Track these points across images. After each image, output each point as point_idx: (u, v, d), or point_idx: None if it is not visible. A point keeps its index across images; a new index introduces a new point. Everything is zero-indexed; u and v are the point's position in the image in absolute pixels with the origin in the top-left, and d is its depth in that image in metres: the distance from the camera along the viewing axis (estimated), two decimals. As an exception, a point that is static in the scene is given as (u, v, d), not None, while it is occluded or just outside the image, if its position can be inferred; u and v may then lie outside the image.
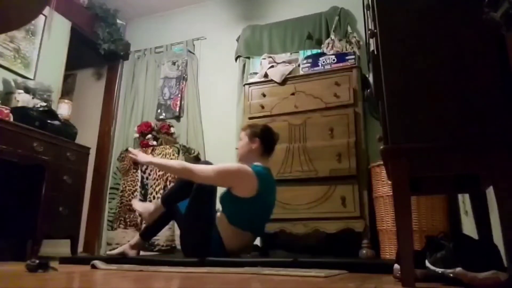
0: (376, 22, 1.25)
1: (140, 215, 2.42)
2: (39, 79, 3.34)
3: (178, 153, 3.33)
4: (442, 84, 1.12)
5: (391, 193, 1.19)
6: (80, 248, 3.29)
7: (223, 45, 3.91)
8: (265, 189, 2.08)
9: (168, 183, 3.21)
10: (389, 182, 1.66)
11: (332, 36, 3.12)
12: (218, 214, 2.17)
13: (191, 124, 3.78)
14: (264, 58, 3.24)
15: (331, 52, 2.98)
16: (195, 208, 2.12)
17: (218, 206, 2.21)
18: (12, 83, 3.07)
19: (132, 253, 2.21)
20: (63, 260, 2.13)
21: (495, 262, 0.98)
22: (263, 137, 2.23)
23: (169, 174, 3.25)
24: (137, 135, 3.65)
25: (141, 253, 2.42)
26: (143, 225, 2.36)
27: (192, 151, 3.55)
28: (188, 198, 2.17)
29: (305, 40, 3.40)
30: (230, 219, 2.08)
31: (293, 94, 2.84)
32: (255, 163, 2.16)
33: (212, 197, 2.18)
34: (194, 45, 4.08)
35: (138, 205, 2.33)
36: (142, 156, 2.19)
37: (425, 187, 1.48)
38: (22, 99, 2.95)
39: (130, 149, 2.56)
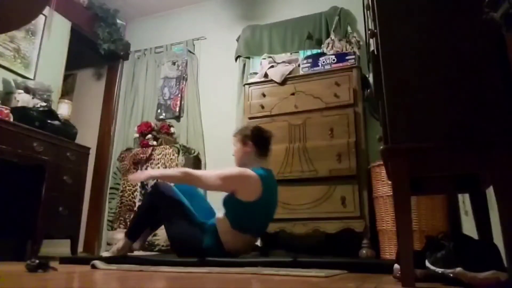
0: (376, 22, 1.25)
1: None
2: (39, 79, 3.34)
3: (178, 153, 3.33)
4: (442, 84, 1.12)
5: (391, 193, 1.19)
6: (80, 248, 3.29)
7: (223, 45, 3.91)
8: (268, 191, 2.07)
9: (168, 183, 3.21)
10: (389, 182, 1.66)
11: (332, 36, 3.12)
12: (220, 216, 2.13)
13: (191, 124, 3.78)
14: (264, 58, 3.24)
15: (331, 52, 2.98)
16: (170, 218, 2.13)
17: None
18: (12, 83, 3.07)
19: (136, 245, 2.23)
20: (63, 260, 2.13)
21: (495, 262, 0.98)
22: (255, 139, 2.20)
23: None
24: (137, 135, 3.65)
25: (141, 253, 2.42)
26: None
27: (192, 151, 3.55)
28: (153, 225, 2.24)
29: (305, 40, 3.40)
30: (232, 224, 2.05)
31: (293, 94, 2.84)
32: (255, 166, 2.13)
33: (181, 204, 2.17)
34: (194, 45, 4.08)
35: (105, 253, 2.26)
36: (138, 176, 2.31)
37: (425, 187, 1.48)
38: (22, 99, 2.95)
39: (130, 177, 2.54)
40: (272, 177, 2.19)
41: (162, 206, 2.16)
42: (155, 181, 2.55)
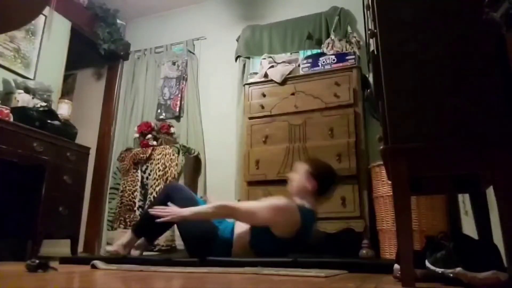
0: (376, 22, 1.25)
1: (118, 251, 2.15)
2: (39, 79, 3.34)
3: (178, 153, 3.33)
4: (442, 84, 1.12)
5: (391, 193, 1.19)
6: (80, 248, 3.29)
7: (223, 45, 3.91)
8: (302, 233, 1.94)
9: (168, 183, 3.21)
10: (389, 182, 1.66)
11: (332, 36, 3.12)
12: (242, 227, 2.02)
13: (191, 124, 3.78)
14: (264, 58, 3.24)
15: (331, 52, 2.98)
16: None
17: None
18: (12, 83, 3.07)
19: (135, 253, 2.21)
20: (63, 260, 2.13)
21: (495, 262, 0.98)
22: (321, 180, 2.02)
23: (169, 175, 3.25)
24: (137, 135, 3.65)
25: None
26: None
27: (192, 151, 3.55)
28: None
29: (305, 40, 3.40)
30: (252, 246, 1.96)
31: (293, 94, 2.84)
32: (305, 204, 2.00)
33: (197, 202, 2.15)
34: (194, 45, 4.08)
35: (109, 247, 2.25)
36: (166, 214, 1.94)
37: (425, 187, 1.48)
38: (22, 99, 2.95)
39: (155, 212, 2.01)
40: (314, 220, 2.05)
41: (178, 199, 2.11)
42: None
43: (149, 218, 2.20)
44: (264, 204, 1.92)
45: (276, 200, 1.94)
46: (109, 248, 2.23)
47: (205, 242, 2.01)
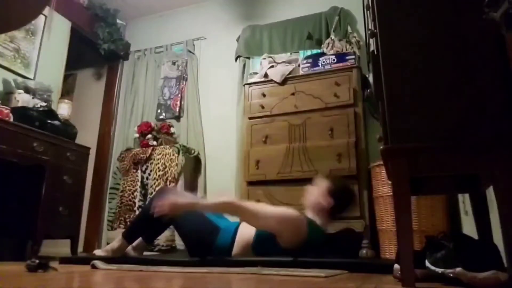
0: (376, 22, 1.25)
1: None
2: (39, 79, 3.34)
3: (178, 153, 3.33)
4: (442, 84, 1.12)
5: (391, 193, 1.19)
6: (80, 248, 3.29)
7: (223, 45, 3.91)
8: (308, 247, 1.88)
9: (168, 183, 3.22)
10: (389, 182, 1.66)
11: (332, 36, 3.12)
12: (246, 229, 1.98)
13: (191, 124, 3.78)
14: (264, 58, 3.24)
15: (331, 52, 2.98)
16: (185, 216, 2.05)
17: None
18: (12, 83, 3.07)
19: (133, 253, 2.21)
20: (63, 260, 2.13)
21: (495, 262, 0.98)
22: (338, 200, 1.97)
23: (169, 175, 3.25)
24: (137, 135, 3.65)
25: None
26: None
27: (192, 151, 3.55)
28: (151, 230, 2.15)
29: (305, 40, 3.40)
30: (255, 249, 1.92)
31: (293, 94, 2.84)
32: (316, 220, 1.96)
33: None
34: (194, 45, 4.08)
35: (98, 251, 2.24)
36: (180, 204, 1.91)
37: (425, 187, 1.48)
38: (22, 99, 2.96)
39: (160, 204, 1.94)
40: (321, 237, 1.98)
41: None
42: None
43: (142, 222, 2.20)
44: (273, 211, 1.87)
45: (286, 210, 1.87)
46: (98, 252, 2.22)
47: (205, 245, 1.98)
